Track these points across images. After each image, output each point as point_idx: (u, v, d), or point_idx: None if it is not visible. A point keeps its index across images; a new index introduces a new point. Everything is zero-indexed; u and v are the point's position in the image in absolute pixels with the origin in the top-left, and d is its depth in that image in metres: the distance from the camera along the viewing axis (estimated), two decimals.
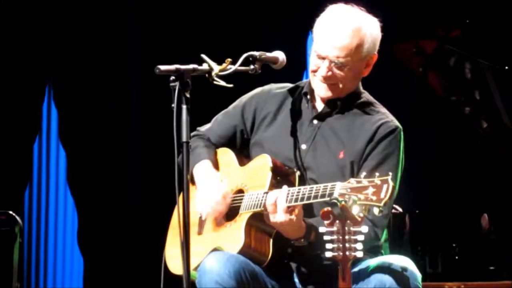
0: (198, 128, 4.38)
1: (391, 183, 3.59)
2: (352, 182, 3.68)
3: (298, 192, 3.92)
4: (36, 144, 7.75)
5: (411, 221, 5.27)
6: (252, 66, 4.04)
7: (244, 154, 4.32)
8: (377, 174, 3.65)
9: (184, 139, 3.75)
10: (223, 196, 4.14)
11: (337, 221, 3.66)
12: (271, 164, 4.09)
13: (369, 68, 4.22)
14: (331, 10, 4.18)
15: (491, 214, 5.59)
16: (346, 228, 3.65)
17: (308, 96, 4.26)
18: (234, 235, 4.09)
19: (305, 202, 3.91)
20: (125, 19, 7.48)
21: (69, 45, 7.52)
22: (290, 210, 3.93)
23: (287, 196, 3.93)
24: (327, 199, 3.77)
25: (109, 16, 7.44)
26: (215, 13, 7.24)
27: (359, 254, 3.66)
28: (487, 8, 6.72)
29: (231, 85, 3.94)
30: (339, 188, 3.70)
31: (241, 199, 4.14)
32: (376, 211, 3.63)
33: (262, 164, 4.14)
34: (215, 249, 4.08)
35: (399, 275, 3.88)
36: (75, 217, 7.67)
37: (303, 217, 4.00)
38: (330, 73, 4.13)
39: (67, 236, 7.71)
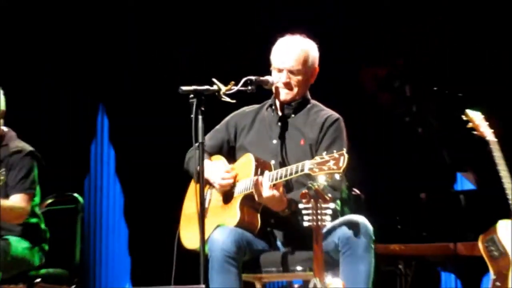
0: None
1: (346, 155, 3.65)
2: (317, 158, 3.73)
3: (277, 173, 3.96)
4: (93, 145, 7.73)
5: (365, 200, 5.26)
6: (249, 87, 4.06)
7: (230, 159, 4.32)
8: (334, 150, 3.71)
9: (200, 140, 3.79)
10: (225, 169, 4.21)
11: (312, 200, 3.68)
12: (253, 159, 4.12)
13: (313, 77, 4.27)
14: (283, 39, 4.27)
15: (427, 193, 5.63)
16: (318, 205, 3.68)
17: (273, 107, 4.30)
18: (232, 213, 4.11)
19: (283, 179, 3.94)
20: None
21: (119, 79, 7.51)
22: (272, 187, 3.96)
23: (269, 178, 3.97)
24: (300, 173, 3.82)
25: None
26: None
27: (328, 224, 3.72)
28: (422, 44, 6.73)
29: (234, 101, 3.99)
30: (307, 165, 3.76)
31: (234, 187, 4.17)
32: (337, 176, 3.70)
33: (246, 160, 4.17)
34: (218, 226, 4.09)
35: (357, 227, 3.91)
36: (122, 198, 7.69)
37: (284, 192, 4.03)
38: (288, 79, 4.18)
39: (116, 212, 7.70)
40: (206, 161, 4.16)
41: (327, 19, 6.85)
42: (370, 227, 3.93)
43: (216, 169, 4.19)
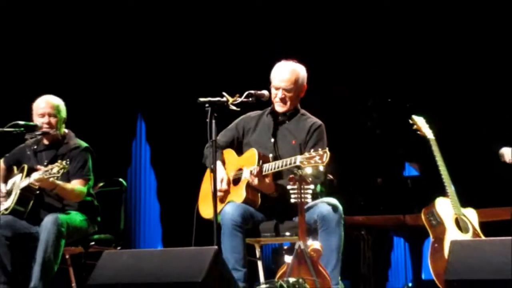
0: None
1: (328, 153, 3.66)
2: (306, 154, 3.73)
3: (275, 164, 3.95)
4: (134, 143, 7.74)
5: (337, 183, 5.23)
6: (250, 99, 4.04)
7: (238, 152, 4.31)
8: (319, 149, 3.71)
9: (213, 138, 3.80)
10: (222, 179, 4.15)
11: (297, 182, 3.67)
12: (257, 153, 4.11)
13: (303, 93, 4.24)
14: (280, 63, 4.23)
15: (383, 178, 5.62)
16: (302, 186, 3.67)
17: (272, 114, 4.29)
18: (239, 192, 4.11)
19: (279, 169, 3.95)
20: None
21: (153, 95, 7.47)
22: (263, 176, 3.98)
23: (268, 167, 3.98)
24: (293, 165, 3.80)
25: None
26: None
27: (309, 201, 3.72)
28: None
29: (238, 109, 3.98)
30: (299, 159, 3.76)
31: (242, 172, 4.15)
32: (321, 168, 3.71)
33: (251, 154, 4.16)
34: (229, 201, 4.09)
35: (331, 207, 3.92)
36: (155, 183, 7.70)
37: (273, 180, 4.04)
38: (283, 96, 4.17)
39: (151, 193, 7.71)
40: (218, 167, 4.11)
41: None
42: (340, 207, 3.94)
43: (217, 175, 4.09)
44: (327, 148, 3.71)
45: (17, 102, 5.21)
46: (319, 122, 4.23)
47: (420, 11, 6.61)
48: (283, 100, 4.19)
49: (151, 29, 7.26)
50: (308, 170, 3.68)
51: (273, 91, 4.20)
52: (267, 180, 4.00)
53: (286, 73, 4.17)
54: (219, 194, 4.08)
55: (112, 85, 7.21)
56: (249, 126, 4.33)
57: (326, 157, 3.67)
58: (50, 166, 4.37)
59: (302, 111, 4.30)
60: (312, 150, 3.74)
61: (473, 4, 6.43)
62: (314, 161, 3.68)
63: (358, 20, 6.83)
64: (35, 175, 4.44)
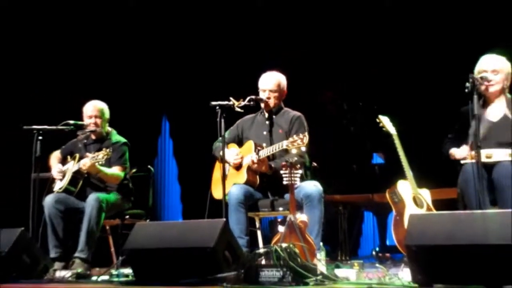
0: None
1: (307, 136, 3.68)
2: (290, 139, 3.75)
3: (267, 150, 3.97)
4: (159, 139, 7.73)
5: (320, 169, 5.19)
6: (251, 103, 4.04)
7: (239, 145, 4.29)
8: (300, 133, 3.71)
9: (222, 134, 3.76)
10: (236, 153, 4.14)
11: (288, 168, 3.64)
12: (253, 143, 4.11)
13: (284, 96, 4.25)
14: (266, 73, 4.23)
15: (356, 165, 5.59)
16: (292, 171, 3.64)
17: (263, 113, 4.27)
18: (241, 175, 4.09)
19: (271, 153, 3.97)
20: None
21: (176, 99, 7.40)
22: (260, 160, 3.97)
23: (257, 154, 3.98)
24: (281, 148, 3.83)
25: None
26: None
27: (298, 182, 3.67)
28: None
29: (242, 111, 3.96)
30: (285, 143, 3.78)
31: (243, 160, 4.14)
32: (303, 148, 3.72)
33: (249, 144, 4.16)
34: (234, 183, 4.06)
35: (313, 189, 3.88)
36: (176, 170, 7.69)
37: (268, 161, 4.04)
38: (269, 96, 4.16)
39: (173, 177, 7.70)
40: (226, 150, 4.13)
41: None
42: (321, 188, 3.92)
43: (230, 154, 4.15)
44: (306, 133, 3.73)
45: (69, 105, 5.22)
46: (299, 113, 4.25)
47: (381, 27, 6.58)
48: (269, 99, 4.20)
49: (175, 49, 7.21)
50: (293, 151, 3.70)
51: (261, 93, 4.22)
52: (263, 163, 4.00)
53: (271, 78, 4.21)
54: (236, 161, 4.09)
55: (143, 93, 7.17)
56: (247, 125, 4.34)
57: (306, 139, 3.69)
58: (96, 153, 4.42)
59: (285, 108, 4.32)
60: (295, 135, 3.75)
61: (422, 22, 6.41)
62: (297, 143, 3.71)
63: (336, 33, 6.79)
64: (84, 160, 4.46)
